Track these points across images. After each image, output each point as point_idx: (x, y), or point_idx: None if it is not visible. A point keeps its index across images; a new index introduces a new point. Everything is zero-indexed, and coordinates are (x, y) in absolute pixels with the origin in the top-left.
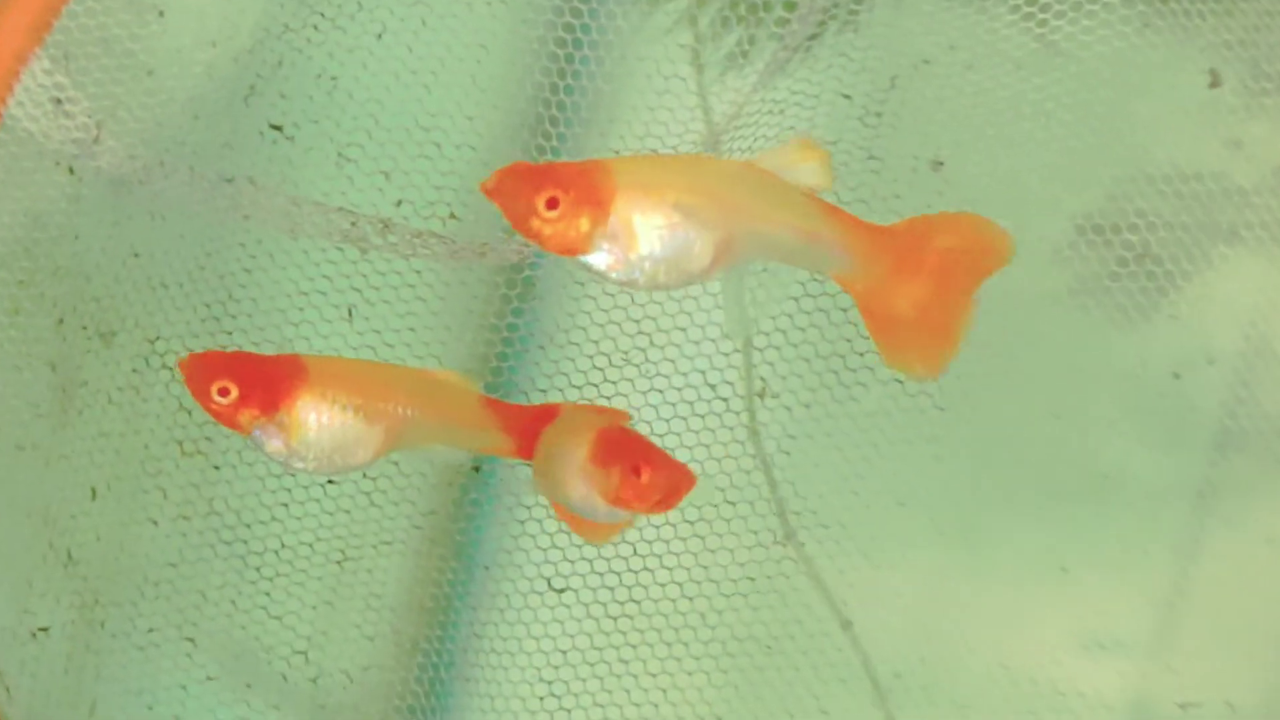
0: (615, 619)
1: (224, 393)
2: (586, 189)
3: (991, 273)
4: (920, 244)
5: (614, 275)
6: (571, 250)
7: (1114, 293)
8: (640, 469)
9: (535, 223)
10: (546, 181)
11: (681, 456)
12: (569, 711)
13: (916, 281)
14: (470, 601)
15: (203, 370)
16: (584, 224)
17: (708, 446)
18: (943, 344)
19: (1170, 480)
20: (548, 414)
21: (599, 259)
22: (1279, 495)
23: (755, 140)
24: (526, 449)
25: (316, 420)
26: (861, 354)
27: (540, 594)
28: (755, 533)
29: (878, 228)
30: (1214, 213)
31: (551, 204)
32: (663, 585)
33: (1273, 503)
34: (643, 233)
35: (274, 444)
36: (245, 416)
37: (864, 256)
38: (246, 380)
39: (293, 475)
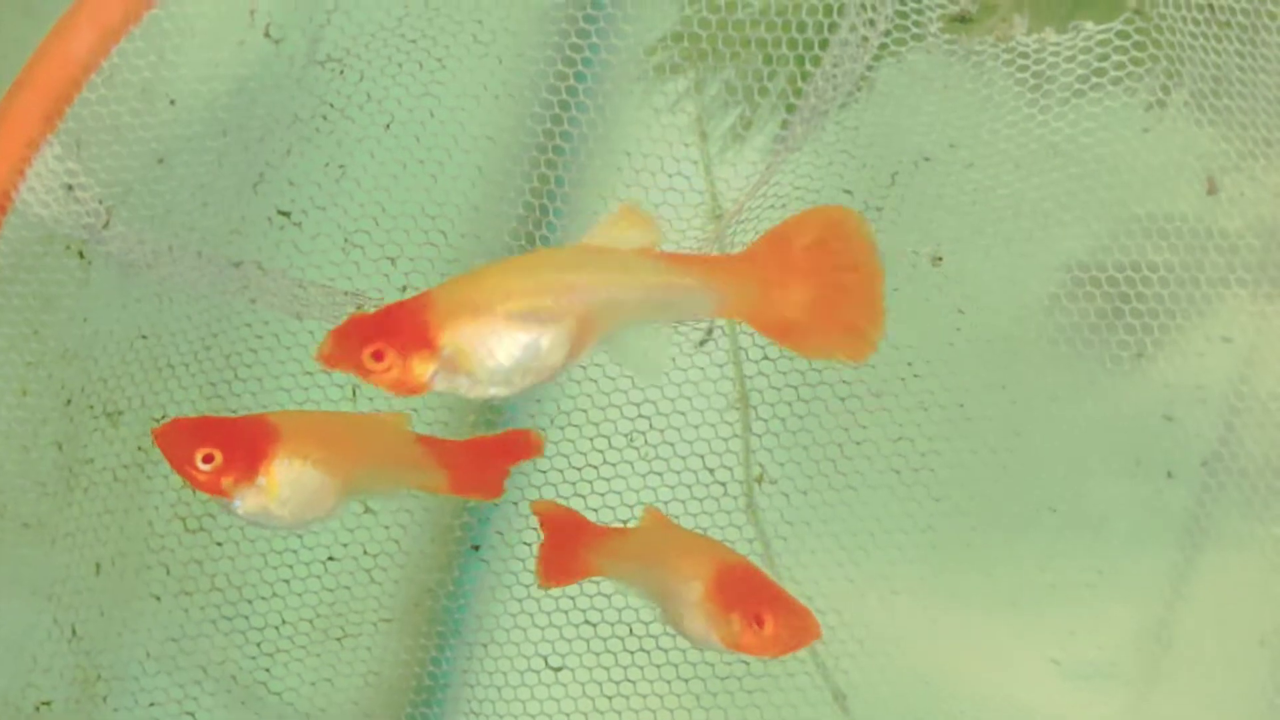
0: (610, 699)
1: (209, 459)
2: (408, 334)
3: (862, 249)
4: (780, 254)
5: (471, 394)
6: (416, 390)
7: (1097, 420)
8: (763, 618)
9: (372, 377)
10: (369, 336)
11: None
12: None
13: (793, 288)
14: (468, 679)
15: (182, 438)
16: (418, 367)
17: (705, 530)
18: (853, 331)
19: (1156, 521)
20: (474, 446)
21: (448, 385)
22: (1263, 536)
23: (758, 232)
24: (461, 483)
25: (290, 479)
26: (859, 443)
27: (537, 672)
28: None
29: (730, 256)
30: (1189, 328)
31: (378, 357)
32: (658, 666)
33: (1257, 545)
34: (480, 354)
35: (251, 505)
36: (227, 481)
37: (728, 287)
38: (228, 445)
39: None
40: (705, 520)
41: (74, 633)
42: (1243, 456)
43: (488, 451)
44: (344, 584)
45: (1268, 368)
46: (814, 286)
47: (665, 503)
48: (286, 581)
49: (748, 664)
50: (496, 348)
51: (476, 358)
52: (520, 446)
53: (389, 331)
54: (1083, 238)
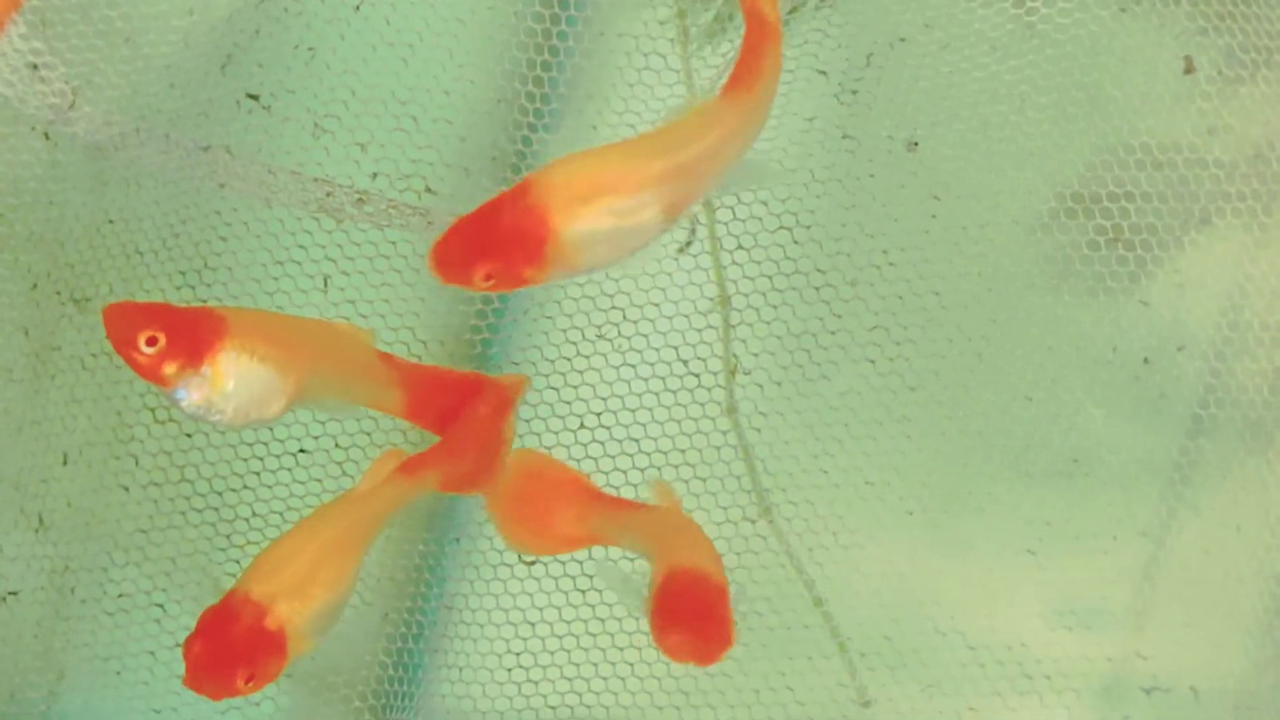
0: (584, 592)
1: (152, 342)
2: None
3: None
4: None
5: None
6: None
7: (1087, 275)
8: (673, 634)
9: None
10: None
11: (654, 432)
12: (535, 684)
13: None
14: (440, 574)
15: (128, 320)
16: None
17: (679, 422)
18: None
19: (1142, 463)
20: (438, 377)
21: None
22: (1250, 479)
23: None
24: (416, 410)
25: (236, 373)
26: (833, 333)
27: (510, 566)
28: (725, 509)
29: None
30: (1189, 194)
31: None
32: (632, 559)
33: (1243, 486)
34: (590, 238)
35: (194, 397)
36: (170, 368)
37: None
38: (173, 331)
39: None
40: (679, 412)
41: (41, 522)
42: (1230, 399)
43: (450, 384)
44: (315, 476)
45: (1260, 295)
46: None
47: (639, 394)
48: (257, 474)
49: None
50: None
51: (587, 242)
52: (492, 392)
53: (500, 250)
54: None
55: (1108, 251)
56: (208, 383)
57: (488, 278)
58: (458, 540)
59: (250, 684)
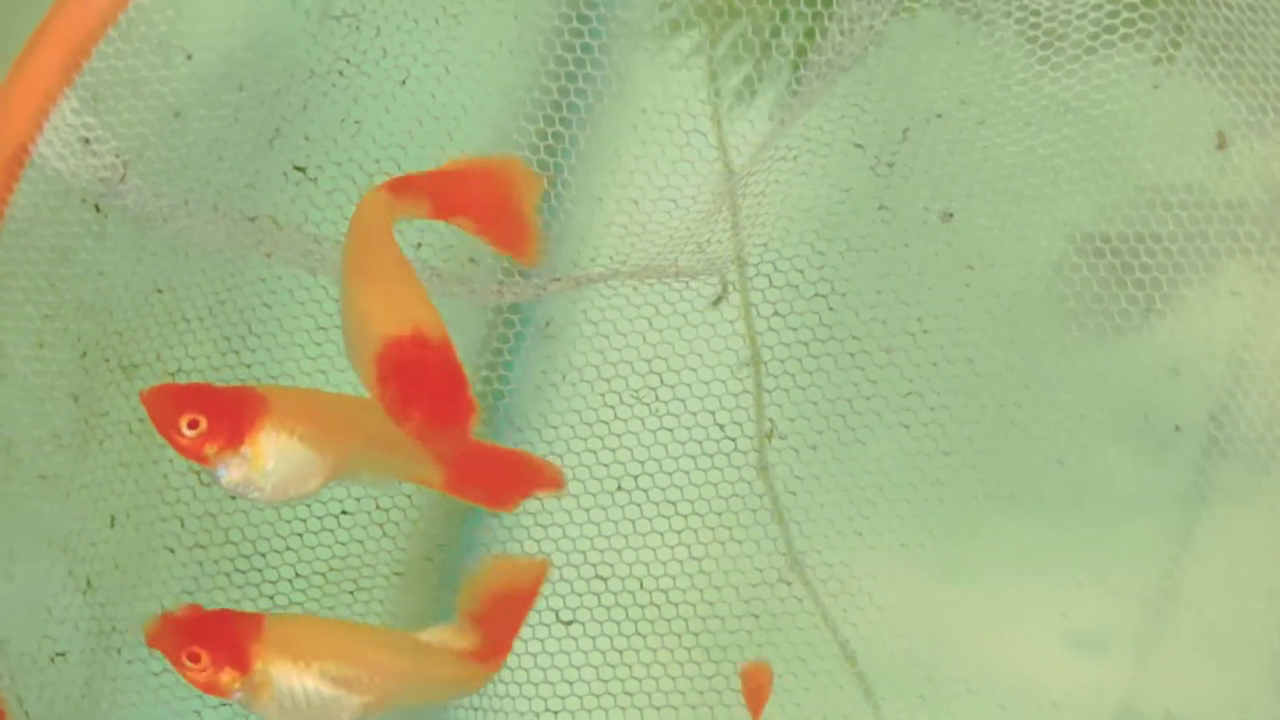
0: (621, 652)
1: (193, 425)
2: (226, 647)
3: None
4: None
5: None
6: (215, 693)
7: (1108, 374)
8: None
9: (183, 670)
10: (188, 639)
11: (690, 495)
12: (537, 716)
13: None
14: None
15: (169, 402)
16: (224, 679)
17: (715, 485)
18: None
19: (1157, 489)
20: (477, 452)
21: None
22: (1261, 508)
23: (769, 185)
24: (456, 483)
25: (276, 452)
26: (868, 398)
27: (548, 626)
28: (761, 570)
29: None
30: (1196, 282)
31: (193, 658)
32: (669, 620)
33: (1254, 516)
34: (282, 693)
35: (234, 475)
36: (211, 449)
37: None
38: (214, 413)
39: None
40: (715, 475)
41: (89, 584)
42: (1250, 410)
43: (492, 460)
44: (356, 538)
45: (1275, 323)
46: None
47: (676, 458)
48: (299, 535)
49: (757, 618)
50: (299, 693)
51: (277, 692)
52: (533, 474)
53: (212, 639)
54: (1091, 195)
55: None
56: (248, 462)
57: (192, 658)
58: None
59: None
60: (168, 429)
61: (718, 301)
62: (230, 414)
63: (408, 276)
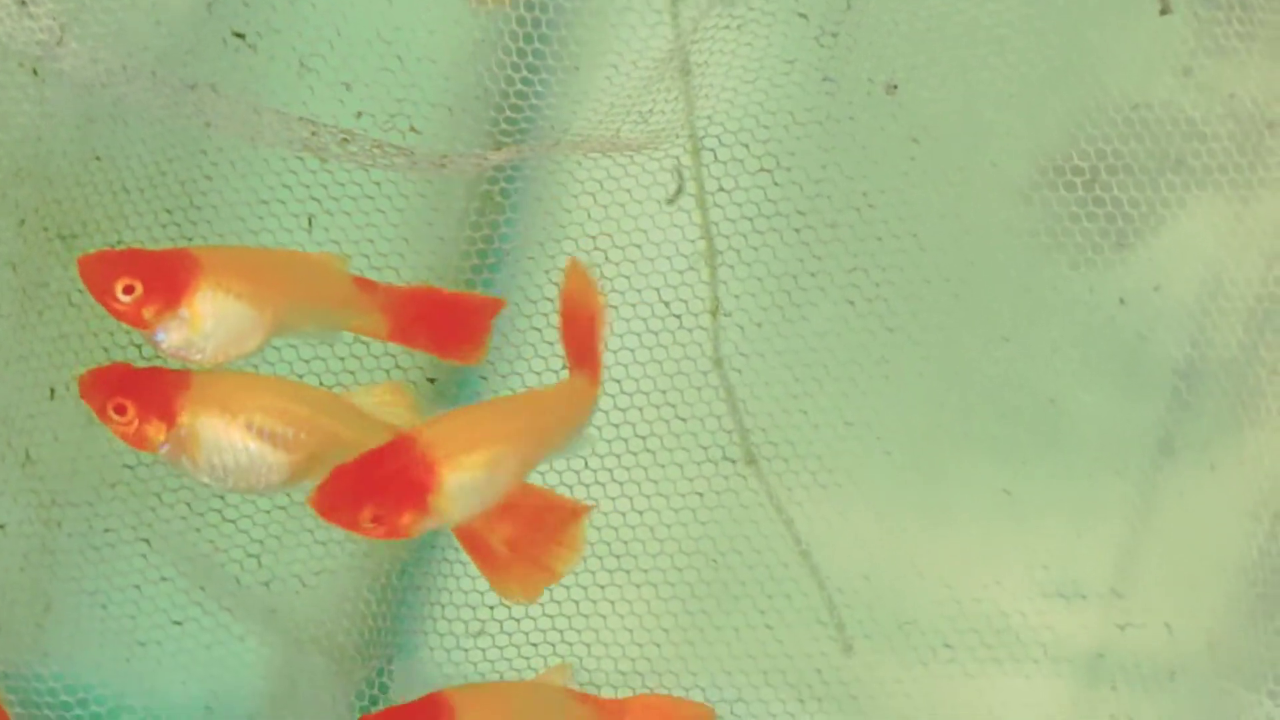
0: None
1: (129, 290)
2: (154, 401)
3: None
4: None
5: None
6: (143, 448)
7: (1072, 233)
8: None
9: (108, 421)
10: (115, 389)
11: (635, 373)
12: (518, 620)
13: (503, 525)
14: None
15: (104, 268)
16: (150, 430)
17: (660, 364)
18: (534, 574)
19: (1127, 419)
20: (420, 296)
21: (172, 460)
22: (1235, 434)
23: (712, 55)
24: (399, 331)
25: (214, 312)
26: (813, 274)
27: None
28: (705, 448)
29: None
30: (1167, 146)
31: (119, 410)
32: (613, 499)
33: (1229, 441)
34: (209, 448)
35: (174, 338)
36: (148, 312)
37: None
38: (149, 276)
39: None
40: (660, 353)
41: (28, 457)
42: (1221, 347)
43: (434, 302)
44: None
45: (1247, 256)
46: (518, 529)
47: (620, 335)
48: None
49: (701, 495)
50: (225, 448)
51: (204, 447)
52: (475, 309)
53: (138, 391)
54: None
55: (1088, 222)
56: (186, 324)
57: (118, 409)
58: None
59: (377, 524)
60: (104, 295)
61: (675, 198)
62: (165, 276)
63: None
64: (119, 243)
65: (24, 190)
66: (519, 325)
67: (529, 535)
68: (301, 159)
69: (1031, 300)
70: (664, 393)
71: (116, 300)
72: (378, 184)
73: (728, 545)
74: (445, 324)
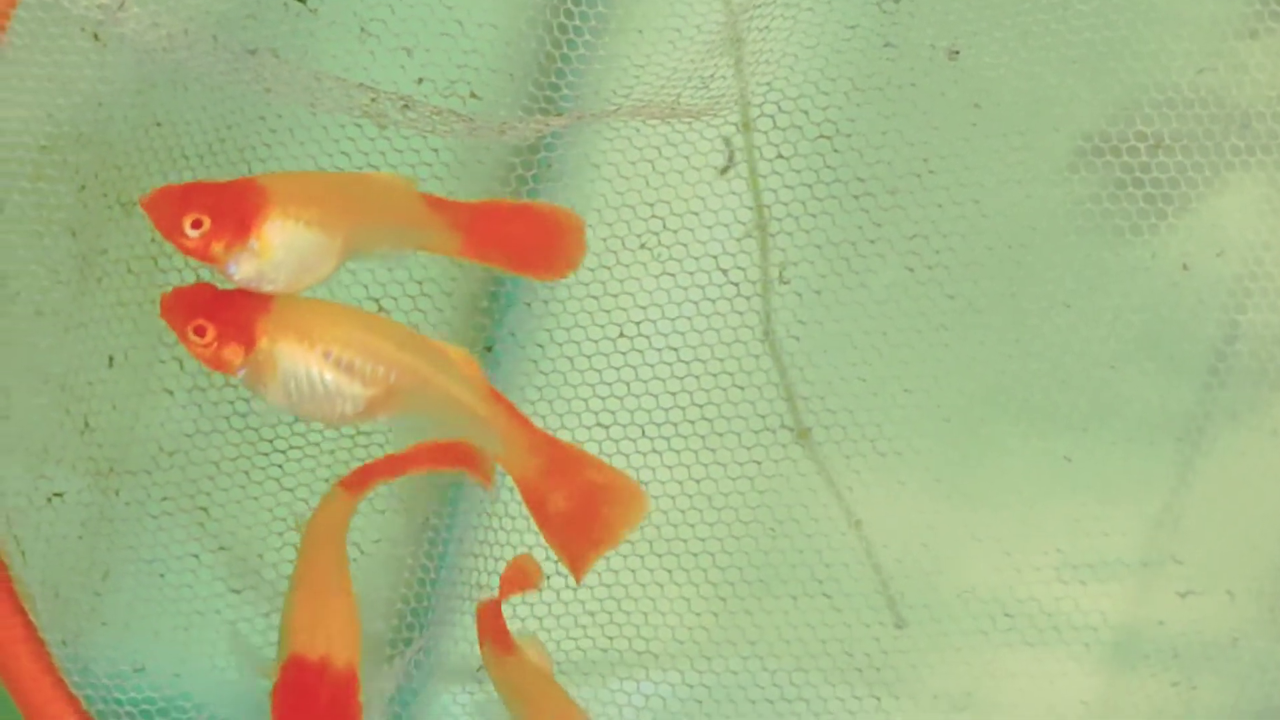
0: None
1: (197, 225)
2: (236, 321)
3: (623, 524)
4: (570, 465)
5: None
6: (221, 369)
7: (1135, 198)
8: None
9: (189, 344)
10: (201, 310)
11: (692, 341)
12: (574, 589)
13: (560, 494)
14: (454, 525)
15: (170, 205)
16: (228, 352)
17: (718, 331)
18: (578, 554)
19: (1187, 385)
20: (493, 210)
21: (253, 386)
22: (1269, 424)
23: (773, 20)
24: (473, 247)
25: (284, 241)
26: (873, 241)
27: (528, 518)
28: (763, 417)
29: (534, 430)
30: (1232, 111)
31: (199, 332)
32: (670, 468)
33: (1262, 433)
34: (285, 372)
35: (246, 269)
36: (218, 247)
37: (516, 448)
38: (216, 209)
39: None
40: (718, 321)
41: (86, 425)
42: (1260, 325)
43: (505, 217)
44: None
45: None
46: (574, 509)
47: (678, 304)
48: None
49: (759, 464)
50: (302, 376)
51: (281, 373)
52: (546, 220)
53: (220, 313)
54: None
55: (1151, 187)
56: (257, 255)
57: (199, 331)
58: (489, 349)
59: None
60: (173, 233)
61: (725, 170)
62: (233, 208)
63: (343, 592)
64: None
65: (84, 156)
66: (576, 294)
67: (583, 512)
68: (360, 125)
69: (1093, 267)
70: (721, 361)
71: (186, 237)
72: (435, 150)
73: (785, 515)
74: (522, 238)
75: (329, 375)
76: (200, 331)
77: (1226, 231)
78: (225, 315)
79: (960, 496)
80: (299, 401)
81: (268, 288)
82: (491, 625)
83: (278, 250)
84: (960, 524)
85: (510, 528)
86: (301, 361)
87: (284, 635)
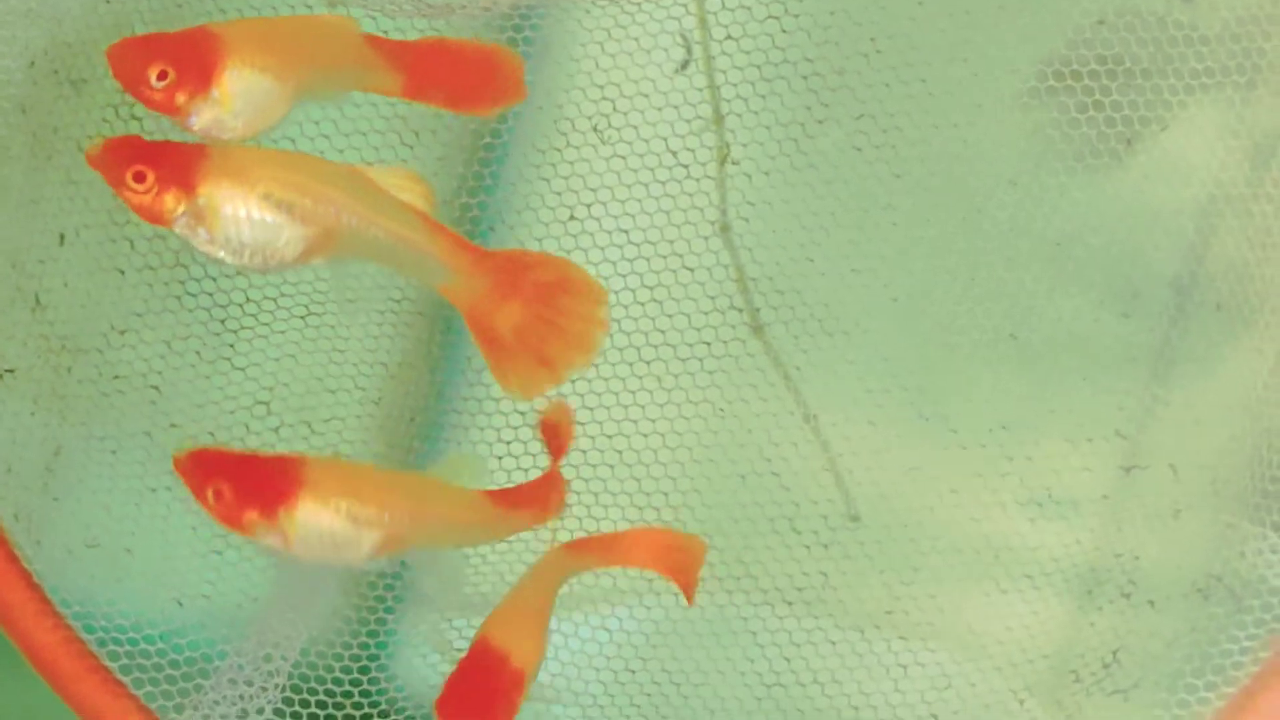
0: (573, 381)
1: (163, 76)
2: (174, 169)
3: (588, 314)
4: (516, 272)
5: (202, 249)
6: (156, 220)
7: (1080, 75)
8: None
9: (124, 192)
10: (135, 156)
11: (642, 223)
12: (524, 471)
13: (512, 306)
14: (430, 360)
15: (135, 56)
16: (169, 201)
17: (668, 214)
18: (537, 371)
19: (1135, 260)
20: (430, 48)
21: (186, 231)
22: (1230, 357)
23: None
24: (414, 87)
25: (243, 90)
26: (820, 122)
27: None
28: (713, 298)
29: (476, 249)
30: (1175, 59)
31: (139, 178)
32: (620, 349)
33: (1225, 365)
34: (225, 218)
35: (205, 119)
36: (181, 98)
37: (463, 273)
38: (180, 61)
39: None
40: (668, 203)
41: (38, 302)
42: (1222, 258)
43: (451, 55)
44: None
45: (1248, 165)
46: (529, 317)
47: (629, 185)
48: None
49: (709, 345)
50: (242, 218)
51: (222, 218)
52: (485, 58)
53: (159, 160)
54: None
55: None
56: (218, 105)
57: (138, 178)
58: (448, 325)
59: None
60: (137, 85)
61: (685, 65)
62: (195, 58)
63: (542, 624)
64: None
65: (34, 31)
66: (526, 175)
67: (540, 324)
68: (309, 7)
69: (1040, 143)
70: (671, 243)
71: (151, 89)
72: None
73: (735, 395)
74: (461, 76)
75: (269, 216)
76: (140, 178)
77: (1188, 159)
78: (164, 162)
79: (907, 376)
80: (239, 246)
81: (225, 136)
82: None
83: (237, 99)
84: (907, 403)
85: None
86: (241, 203)
87: (480, 631)
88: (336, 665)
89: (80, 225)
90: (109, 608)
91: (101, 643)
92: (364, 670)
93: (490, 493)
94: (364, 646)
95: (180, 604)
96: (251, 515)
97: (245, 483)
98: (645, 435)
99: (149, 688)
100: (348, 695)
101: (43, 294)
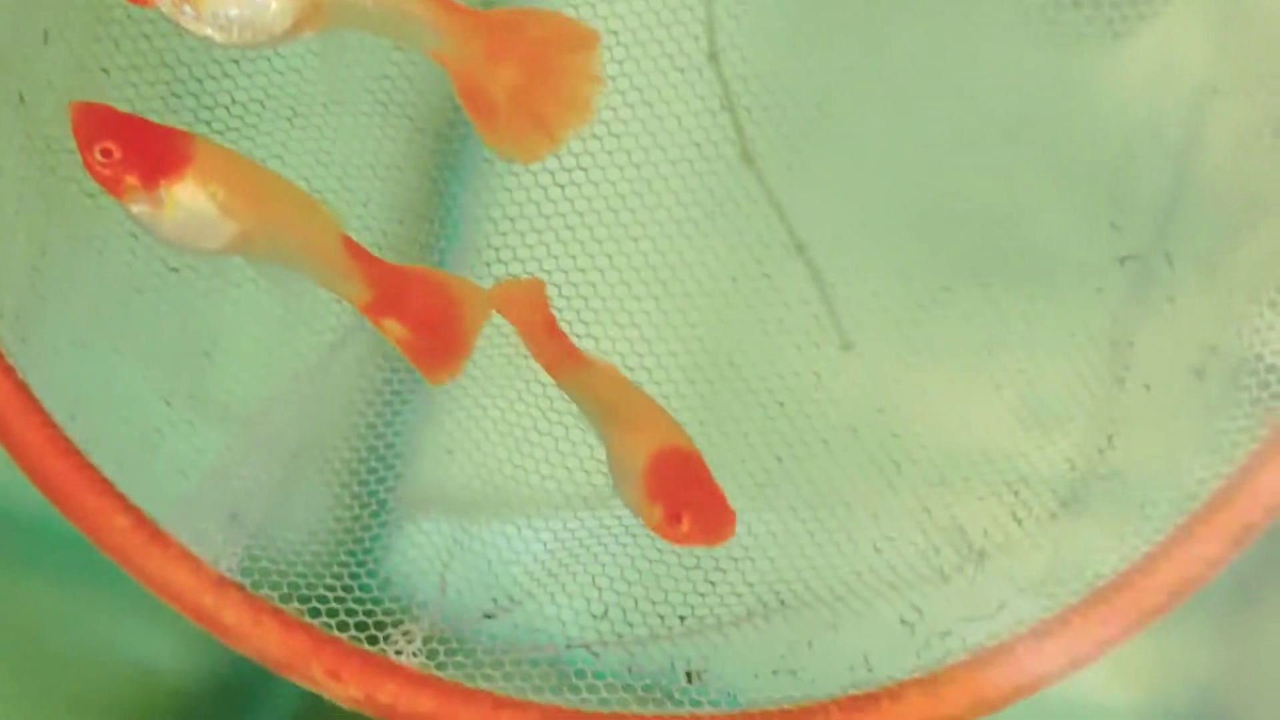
0: (563, 187)
1: (107, 154)
2: None
3: (582, 69)
4: (510, 31)
5: (189, 27)
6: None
7: (1067, 24)
8: (681, 517)
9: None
10: None
11: (639, 83)
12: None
13: (507, 67)
14: (417, 164)
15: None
16: None
17: (665, 74)
18: (534, 134)
19: (1115, 240)
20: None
21: (171, 8)
22: (1216, 267)
23: None
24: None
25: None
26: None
27: (489, 162)
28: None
29: (468, 10)
30: None
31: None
32: (610, 153)
33: (1212, 278)
34: None
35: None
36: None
37: (454, 36)
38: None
39: None
40: (665, 63)
41: (21, 99)
42: (1210, 170)
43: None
44: (294, 66)
45: (1239, 62)
46: (526, 76)
47: (633, 29)
48: (236, 62)
49: (698, 146)
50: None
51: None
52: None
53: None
54: None
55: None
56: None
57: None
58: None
59: None
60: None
61: None
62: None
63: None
64: None
65: None
66: None
67: (535, 84)
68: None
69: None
70: (657, 89)
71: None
72: None
73: (728, 251)
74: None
75: None
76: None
77: (1178, 51)
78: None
79: (901, 224)
80: (226, 21)
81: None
82: (555, 344)
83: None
84: (901, 252)
85: None
86: None
87: (629, 448)
88: (327, 573)
89: (64, 24)
90: (96, 407)
91: (87, 442)
92: (354, 576)
93: (350, 244)
94: (351, 554)
95: (168, 404)
96: (132, 181)
97: (135, 149)
98: (635, 239)
99: (135, 484)
100: (340, 600)
101: (26, 92)
